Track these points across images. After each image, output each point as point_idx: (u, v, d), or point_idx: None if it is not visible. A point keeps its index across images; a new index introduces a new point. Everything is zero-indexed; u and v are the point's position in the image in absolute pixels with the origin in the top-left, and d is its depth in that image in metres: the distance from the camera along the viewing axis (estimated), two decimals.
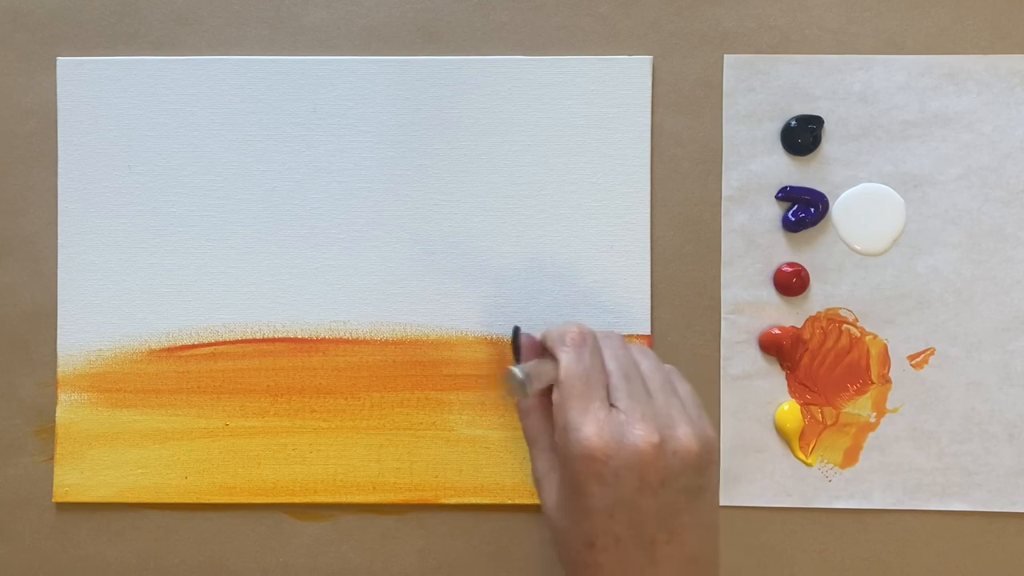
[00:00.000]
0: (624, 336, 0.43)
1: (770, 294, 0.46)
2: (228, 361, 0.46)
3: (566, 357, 0.37)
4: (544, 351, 0.40)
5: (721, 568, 0.38)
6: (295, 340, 0.46)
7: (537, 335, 0.42)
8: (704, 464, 0.36)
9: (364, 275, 0.46)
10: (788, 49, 0.46)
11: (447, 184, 0.46)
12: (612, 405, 0.36)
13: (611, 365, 0.38)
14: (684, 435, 0.36)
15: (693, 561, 0.36)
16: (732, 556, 0.46)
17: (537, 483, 0.39)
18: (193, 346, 0.46)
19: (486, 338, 0.46)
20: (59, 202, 0.47)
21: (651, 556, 0.35)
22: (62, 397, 0.46)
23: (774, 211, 0.46)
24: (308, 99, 0.46)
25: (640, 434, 0.35)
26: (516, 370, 0.37)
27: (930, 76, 0.46)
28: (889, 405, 0.46)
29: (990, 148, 0.46)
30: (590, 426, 0.35)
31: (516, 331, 0.43)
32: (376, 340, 0.46)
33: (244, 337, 0.46)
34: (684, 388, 0.39)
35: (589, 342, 0.38)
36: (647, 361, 0.39)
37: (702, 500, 0.36)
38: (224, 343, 0.46)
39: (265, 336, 0.46)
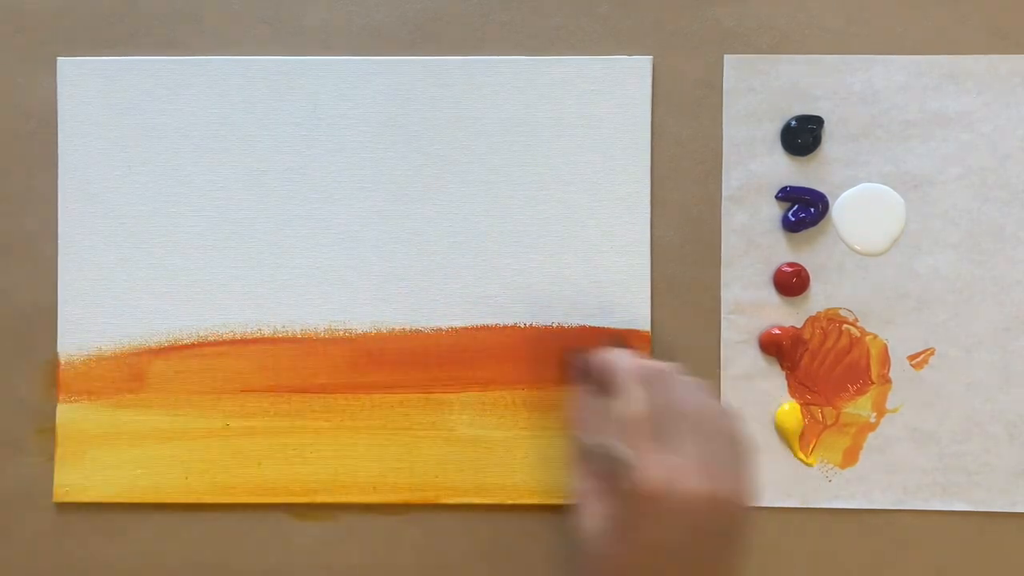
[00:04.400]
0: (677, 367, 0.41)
1: (770, 294, 0.46)
2: (228, 361, 0.46)
3: (635, 394, 0.37)
4: (589, 374, 0.40)
5: None
6: (295, 340, 0.46)
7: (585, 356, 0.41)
8: (744, 517, 0.36)
9: (364, 275, 0.46)
10: (788, 49, 0.46)
11: (447, 184, 0.46)
12: (668, 446, 0.36)
13: (676, 407, 0.37)
14: (734, 488, 0.36)
15: None
16: None
17: (579, 502, 0.39)
18: (193, 346, 0.46)
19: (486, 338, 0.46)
20: (59, 202, 0.47)
21: None
22: (62, 397, 0.46)
23: (774, 211, 0.46)
24: (308, 99, 0.46)
25: (697, 480, 0.35)
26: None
27: (930, 76, 0.46)
28: (889, 405, 0.46)
29: (990, 148, 0.46)
30: (649, 468, 0.35)
31: (575, 352, 0.41)
32: (376, 340, 0.46)
33: (244, 337, 0.46)
34: (737, 433, 0.38)
35: (652, 378, 0.38)
36: (704, 401, 0.38)
37: (733, 553, 0.37)
38: (224, 343, 0.46)
39: (265, 336, 0.46)
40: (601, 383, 0.40)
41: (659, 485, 0.35)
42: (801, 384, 0.46)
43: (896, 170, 0.46)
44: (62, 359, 0.46)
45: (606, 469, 0.37)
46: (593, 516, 0.38)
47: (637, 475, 0.35)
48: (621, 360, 0.39)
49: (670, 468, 0.35)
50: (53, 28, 0.47)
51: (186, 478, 0.46)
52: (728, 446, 0.37)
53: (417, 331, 0.46)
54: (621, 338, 0.45)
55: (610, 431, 0.37)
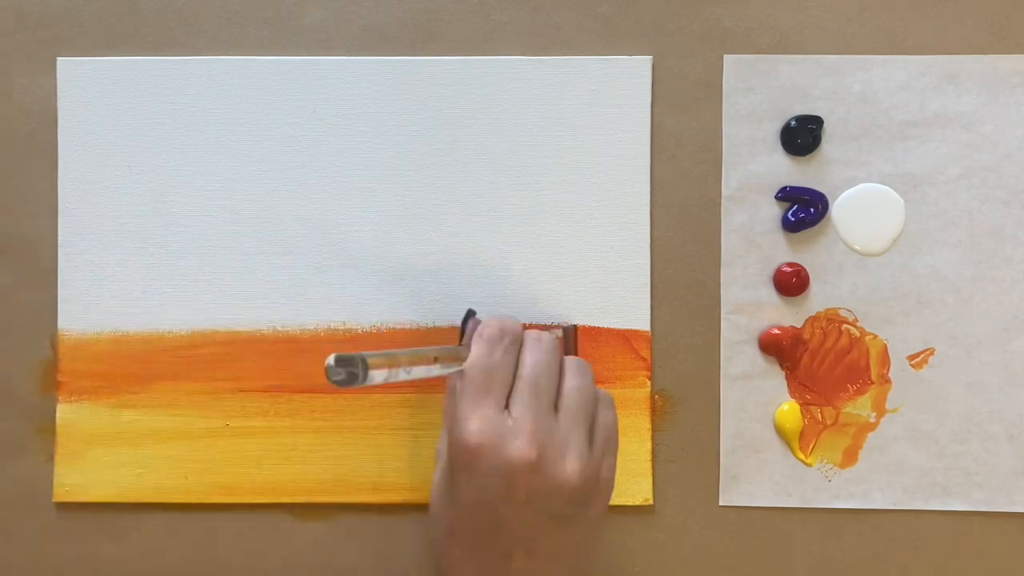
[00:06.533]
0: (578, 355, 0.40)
1: (770, 294, 0.46)
2: (228, 361, 0.46)
3: (475, 350, 0.37)
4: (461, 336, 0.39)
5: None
6: (295, 340, 0.46)
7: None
8: (581, 498, 0.35)
9: (364, 275, 0.46)
10: (788, 49, 0.46)
11: (447, 184, 0.46)
12: (507, 409, 0.35)
13: (524, 371, 0.37)
14: (569, 465, 0.35)
15: None
16: (732, 556, 0.46)
17: (435, 460, 0.39)
18: (193, 346, 0.46)
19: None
20: (59, 202, 0.47)
21: (505, 567, 0.35)
22: (62, 397, 0.46)
23: (774, 211, 0.46)
24: (308, 99, 0.46)
25: (519, 446, 0.34)
26: (333, 358, 0.33)
27: (930, 76, 0.46)
28: (889, 405, 0.46)
29: (990, 148, 0.46)
30: (475, 421, 0.35)
31: (469, 314, 0.41)
32: (376, 340, 0.46)
33: (244, 337, 0.46)
34: (606, 420, 0.38)
35: (507, 340, 0.37)
36: (575, 380, 0.38)
37: (573, 529, 0.36)
38: (224, 343, 0.46)
39: (265, 336, 0.46)
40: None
41: (477, 439, 0.34)
42: (801, 384, 0.46)
43: (896, 170, 0.46)
44: (62, 359, 0.46)
45: (446, 421, 0.37)
46: (437, 471, 0.38)
47: (459, 427, 0.35)
48: (486, 320, 0.38)
49: (493, 426, 0.34)
50: (53, 28, 0.47)
51: (186, 478, 0.46)
52: (569, 417, 0.36)
53: (417, 330, 0.46)
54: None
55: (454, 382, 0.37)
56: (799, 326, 0.46)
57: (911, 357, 0.46)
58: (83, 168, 0.46)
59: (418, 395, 0.46)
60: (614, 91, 0.46)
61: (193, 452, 0.46)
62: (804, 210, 0.46)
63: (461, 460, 0.35)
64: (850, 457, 0.46)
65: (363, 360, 0.33)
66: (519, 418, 0.35)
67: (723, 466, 0.46)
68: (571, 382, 0.37)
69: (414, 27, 0.47)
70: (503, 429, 0.34)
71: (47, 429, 0.46)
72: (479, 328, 0.38)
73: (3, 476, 0.47)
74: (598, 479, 0.36)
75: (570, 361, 0.39)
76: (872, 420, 0.46)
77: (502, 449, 0.34)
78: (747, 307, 0.46)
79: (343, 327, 0.46)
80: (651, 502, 0.46)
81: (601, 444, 0.37)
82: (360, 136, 0.46)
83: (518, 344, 0.37)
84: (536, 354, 0.37)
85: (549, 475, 0.35)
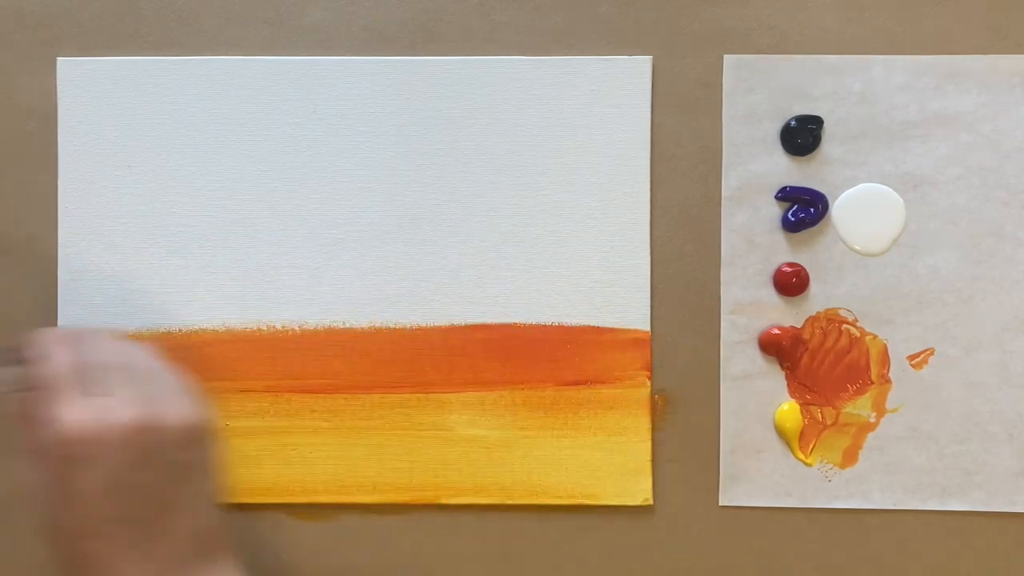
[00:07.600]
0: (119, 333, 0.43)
1: (770, 294, 0.46)
2: (228, 361, 0.46)
3: (51, 355, 0.37)
4: (17, 361, 0.39)
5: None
6: (295, 340, 0.46)
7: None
8: (192, 440, 0.37)
9: (364, 274, 0.46)
10: (788, 49, 0.46)
11: (447, 184, 0.46)
12: (97, 392, 0.37)
13: (97, 358, 0.38)
14: (171, 413, 0.36)
15: (195, 534, 0.37)
16: (732, 556, 0.46)
17: (37, 493, 0.38)
18: (192, 346, 0.46)
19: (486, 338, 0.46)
20: (59, 202, 0.47)
21: (150, 533, 0.36)
22: None
23: (774, 211, 0.46)
24: (308, 99, 0.46)
25: (126, 412, 0.35)
26: None
27: (930, 76, 0.46)
28: (889, 405, 0.46)
29: (990, 148, 0.46)
30: (74, 412, 0.35)
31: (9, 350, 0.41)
32: (376, 340, 0.46)
33: (244, 337, 0.46)
34: (173, 376, 0.39)
35: (69, 341, 0.38)
36: (136, 352, 0.40)
37: (195, 475, 0.37)
38: (224, 343, 0.46)
39: (265, 336, 0.46)
40: (29, 360, 0.39)
41: (84, 425, 0.35)
42: (801, 384, 0.46)
43: (896, 170, 0.46)
44: None
45: (37, 435, 0.37)
46: (39, 489, 0.37)
47: (59, 421, 0.35)
48: (40, 333, 0.39)
49: (95, 407, 0.35)
50: (53, 28, 0.47)
51: None
52: (161, 380, 0.38)
53: (417, 330, 0.46)
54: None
55: (36, 397, 0.37)
56: (799, 326, 0.46)
57: (911, 357, 0.46)
58: (83, 168, 0.46)
59: (418, 395, 0.46)
60: (614, 91, 0.46)
61: None
62: (804, 210, 0.46)
63: (73, 453, 0.35)
64: (850, 457, 0.46)
65: None
66: (112, 393, 0.36)
67: (723, 466, 0.46)
68: (134, 355, 0.39)
69: (414, 27, 0.47)
70: (103, 407, 0.36)
71: None
72: (38, 341, 0.38)
73: (3, 476, 0.47)
74: (195, 420, 0.38)
75: (123, 342, 0.41)
76: (872, 420, 0.46)
77: (111, 422, 0.35)
78: (747, 307, 0.46)
79: (343, 327, 0.46)
80: (651, 502, 0.46)
81: (183, 393, 0.39)
82: (360, 136, 0.46)
83: (83, 338, 0.39)
84: (99, 343, 0.39)
85: (158, 428, 0.36)
